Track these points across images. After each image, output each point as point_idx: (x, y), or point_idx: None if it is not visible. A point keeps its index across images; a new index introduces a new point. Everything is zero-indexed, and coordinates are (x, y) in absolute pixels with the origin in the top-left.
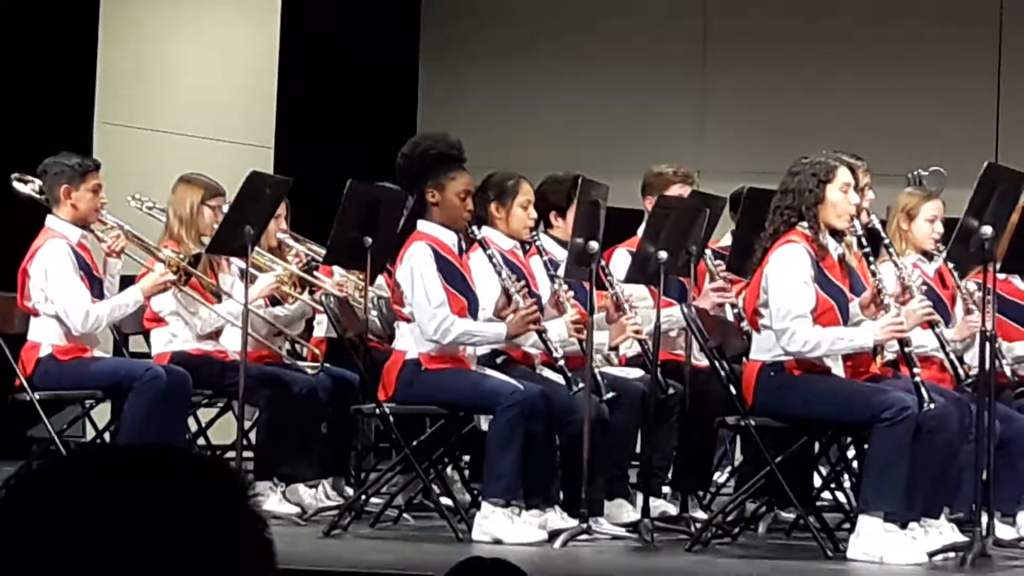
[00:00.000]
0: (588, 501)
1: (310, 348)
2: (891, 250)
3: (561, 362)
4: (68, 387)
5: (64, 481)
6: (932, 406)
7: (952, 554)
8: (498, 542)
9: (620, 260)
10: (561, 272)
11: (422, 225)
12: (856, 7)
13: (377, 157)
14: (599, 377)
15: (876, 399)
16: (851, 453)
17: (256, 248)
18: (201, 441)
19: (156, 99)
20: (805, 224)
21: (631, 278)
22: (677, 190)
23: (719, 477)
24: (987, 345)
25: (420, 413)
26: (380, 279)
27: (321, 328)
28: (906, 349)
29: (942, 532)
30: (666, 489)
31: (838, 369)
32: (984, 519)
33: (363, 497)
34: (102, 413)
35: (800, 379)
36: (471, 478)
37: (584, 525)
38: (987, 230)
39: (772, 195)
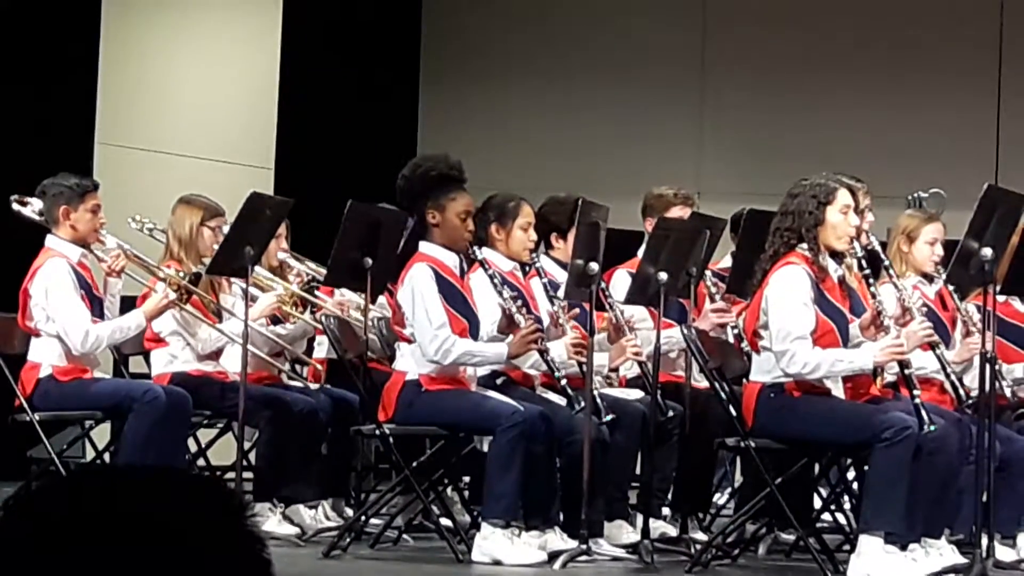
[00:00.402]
0: (588, 522)
1: (312, 364)
2: (891, 271)
3: (563, 383)
4: (68, 408)
5: (62, 501)
6: (932, 427)
7: None
8: (498, 563)
9: (620, 281)
10: (561, 293)
11: (423, 246)
12: (856, 28)
13: (377, 178)
14: (599, 399)
15: (876, 420)
16: (851, 475)
17: (257, 268)
18: (201, 462)
19: (156, 120)
20: (805, 246)
21: (631, 299)
22: (677, 212)
23: (719, 498)
24: (987, 367)
25: (420, 434)
26: (381, 299)
27: (322, 349)
28: (906, 371)
29: (942, 554)
30: (666, 510)
31: (838, 391)
32: (984, 541)
33: (363, 518)
34: (102, 434)
35: (800, 401)
36: (471, 499)
37: (584, 546)
38: (987, 252)
39: (772, 217)
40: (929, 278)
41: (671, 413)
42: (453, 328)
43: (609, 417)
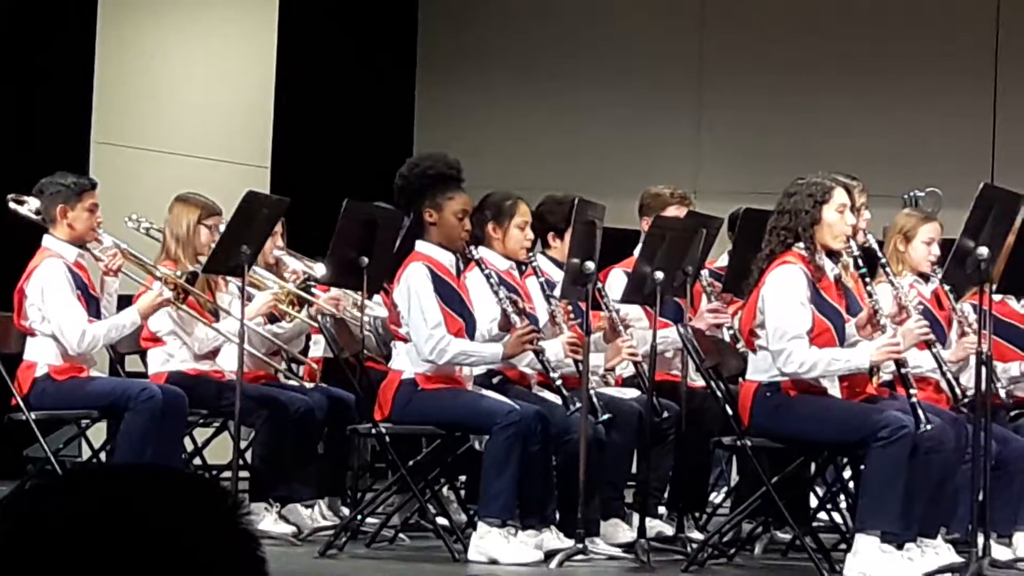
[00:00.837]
0: (584, 521)
1: (308, 364)
2: (888, 270)
3: (559, 382)
4: (64, 407)
5: (58, 501)
6: (928, 426)
7: (948, 575)
8: (494, 562)
9: (616, 280)
10: (557, 292)
11: (420, 245)
12: (853, 28)
13: (373, 177)
14: (595, 398)
15: (872, 419)
16: (847, 474)
17: (253, 266)
18: (197, 461)
19: (152, 119)
20: (801, 245)
21: (627, 298)
22: (674, 211)
23: (715, 497)
24: (983, 366)
25: (416, 433)
26: (377, 298)
27: (318, 348)
28: (902, 370)
29: (938, 553)
30: (662, 509)
31: (835, 390)
32: (980, 540)
33: (359, 517)
34: (98, 433)
35: (796, 400)
36: (467, 498)
37: (580, 545)
38: (983, 251)
39: (769, 216)
40: (925, 277)
41: (666, 414)
42: (449, 328)
43: (605, 416)
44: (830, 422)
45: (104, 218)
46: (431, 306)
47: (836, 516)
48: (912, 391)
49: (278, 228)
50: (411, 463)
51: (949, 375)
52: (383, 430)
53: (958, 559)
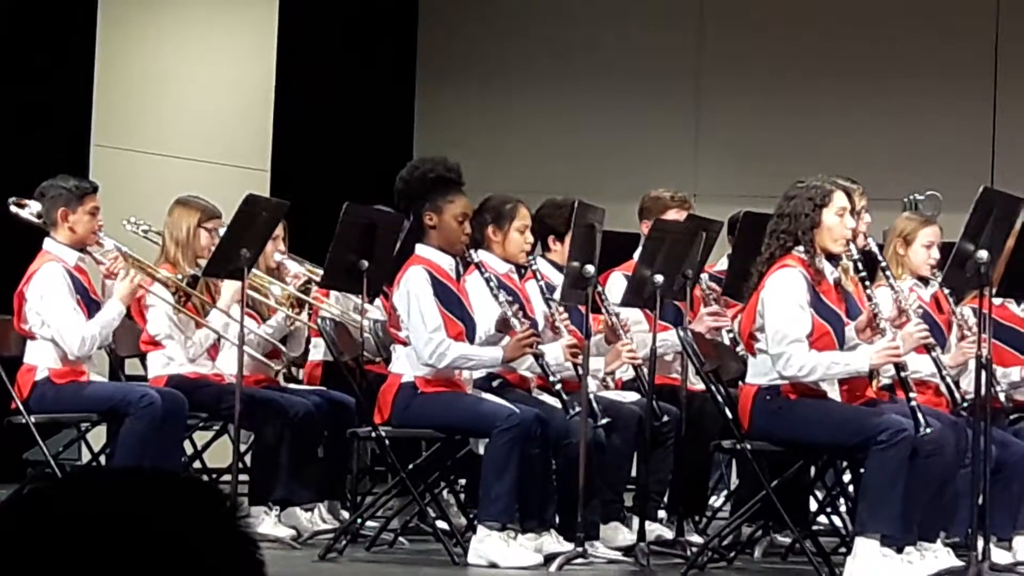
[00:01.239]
0: (584, 525)
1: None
2: (888, 273)
3: (558, 386)
4: (64, 410)
5: (56, 504)
6: (928, 430)
7: None
8: (494, 566)
9: (616, 284)
10: (557, 296)
11: (419, 249)
12: (852, 31)
13: (373, 180)
14: (594, 402)
15: (872, 422)
16: (847, 477)
17: (254, 269)
18: (197, 464)
19: (152, 121)
20: (801, 248)
21: (627, 302)
22: (674, 214)
23: (715, 501)
24: (983, 370)
25: (416, 436)
26: (377, 301)
27: (318, 351)
28: (902, 373)
29: (938, 556)
30: (662, 513)
31: (834, 393)
32: (980, 544)
33: (359, 520)
34: (98, 436)
35: (796, 403)
36: (467, 502)
37: (580, 549)
38: (983, 254)
39: (768, 219)
40: (925, 281)
41: (665, 418)
42: (448, 331)
43: (605, 420)
44: (830, 425)
45: (104, 221)
46: (431, 310)
47: (836, 520)
48: (912, 395)
49: (279, 232)
50: (411, 466)
51: (949, 379)
52: (383, 433)
53: (958, 563)
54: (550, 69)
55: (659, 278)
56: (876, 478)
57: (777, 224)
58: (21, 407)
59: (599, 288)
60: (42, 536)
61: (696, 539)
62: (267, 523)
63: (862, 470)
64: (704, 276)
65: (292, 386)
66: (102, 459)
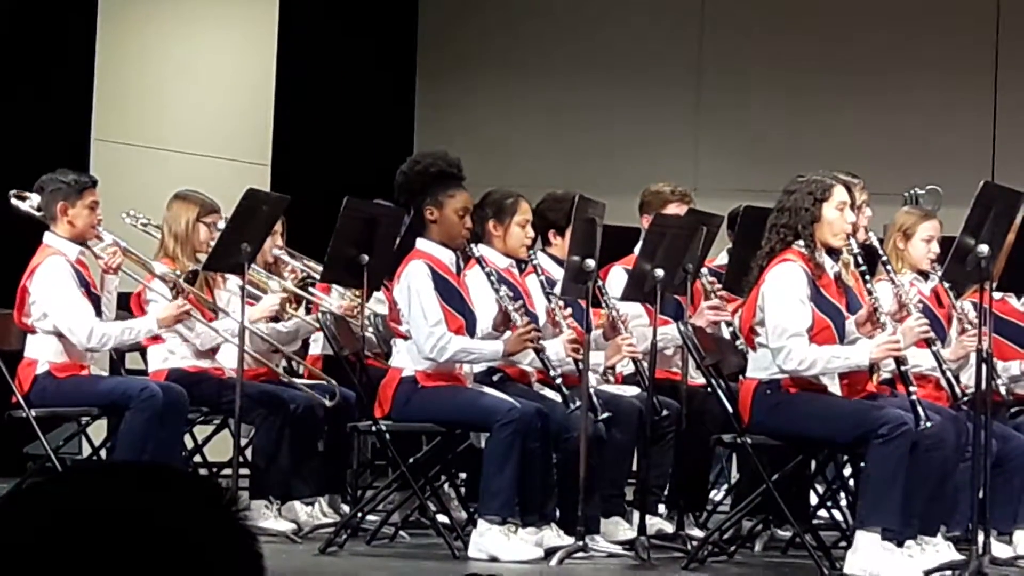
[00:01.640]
0: (584, 518)
1: (307, 367)
2: (888, 267)
3: (559, 380)
4: (65, 404)
5: (56, 498)
6: (928, 424)
7: (949, 572)
8: (494, 559)
9: (616, 278)
10: (558, 290)
11: (420, 243)
12: (852, 26)
13: (374, 174)
14: (595, 396)
15: (872, 416)
16: (847, 471)
17: (252, 265)
18: (197, 458)
19: (152, 116)
20: (801, 243)
21: (627, 296)
22: (674, 208)
23: (715, 495)
24: (983, 364)
25: (417, 431)
26: (378, 295)
27: (318, 345)
28: (902, 367)
29: (939, 550)
30: (662, 507)
31: (834, 387)
32: (980, 538)
33: (359, 514)
34: (99, 430)
35: (796, 397)
36: (467, 495)
37: (580, 543)
38: (983, 249)
39: (769, 213)
40: (925, 275)
41: (666, 412)
42: (449, 325)
43: (604, 415)
44: (830, 419)
45: (103, 215)
46: (431, 304)
47: (836, 513)
48: (912, 389)
49: (277, 227)
50: (411, 460)
51: (949, 373)
52: (383, 427)
53: (958, 557)
54: (551, 63)
55: (659, 272)
56: (876, 472)
57: (777, 218)
58: (22, 401)
59: (599, 282)
60: (42, 530)
61: (696, 533)
62: (268, 517)
63: (862, 464)
64: (704, 270)
65: (298, 381)
66: (103, 453)
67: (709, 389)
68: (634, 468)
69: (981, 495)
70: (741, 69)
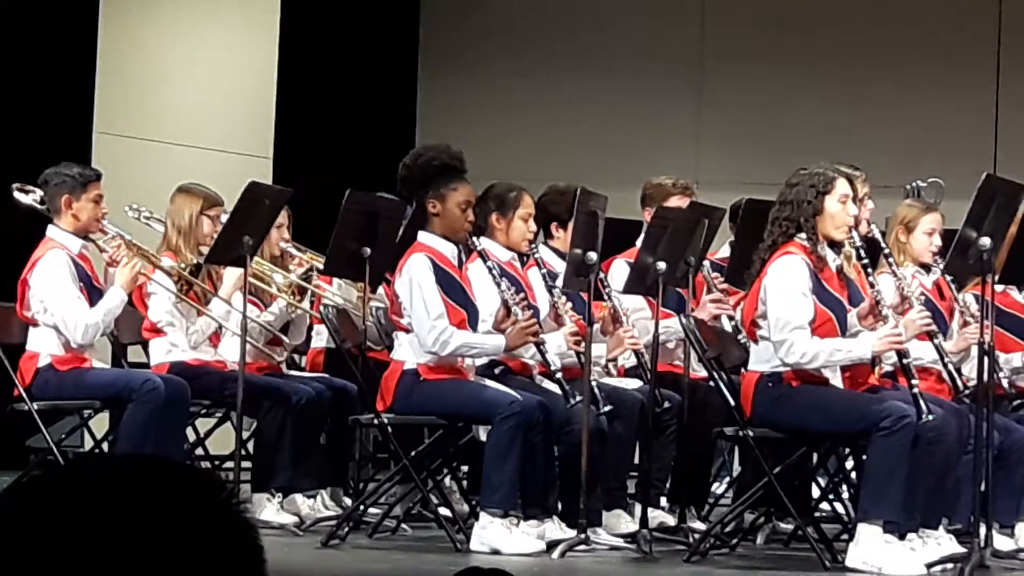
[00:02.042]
0: (586, 511)
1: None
2: (891, 260)
3: (559, 375)
4: (67, 397)
5: (58, 491)
6: (930, 417)
7: (950, 565)
8: (496, 552)
9: (619, 271)
10: (559, 283)
11: (422, 236)
12: (854, 18)
13: (376, 167)
14: (596, 389)
15: (874, 409)
16: (849, 464)
17: (256, 258)
18: (199, 451)
19: (155, 109)
20: (803, 235)
21: (629, 289)
22: (676, 201)
23: (717, 488)
24: (985, 356)
25: (418, 423)
26: (379, 289)
27: (320, 339)
28: (904, 360)
29: (940, 543)
30: (664, 500)
31: (836, 380)
32: (982, 530)
33: (361, 507)
34: (100, 423)
35: (798, 390)
36: (469, 488)
37: (582, 536)
38: (985, 241)
39: (771, 206)
40: (927, 268)
41: (668, 405)
42: (451, 319)
43: (606, 408)
44: (832, 412)
45: (107, 208)
46: (433, 297)
47: (838, 506)
48: (914, 381)
49: (283, 220)
50: (413, 453)
51: (951, 366)
52: (385, 420)
53: (960, 549)
54: (553, 57)
55: (661, 265)
56: (878, 465)
57: (779, 211)
58: (24, 394)
59: (601, 275)
60: (44, 523)
61: (698, 526)
62: (269, 510)
63: (864, 457)
64: (706, 263)
65: (295, 373)
66: (105, 446)
67: (711, 382)
68: (636, 461)
69: (983, 488)
70: (743, 61)
